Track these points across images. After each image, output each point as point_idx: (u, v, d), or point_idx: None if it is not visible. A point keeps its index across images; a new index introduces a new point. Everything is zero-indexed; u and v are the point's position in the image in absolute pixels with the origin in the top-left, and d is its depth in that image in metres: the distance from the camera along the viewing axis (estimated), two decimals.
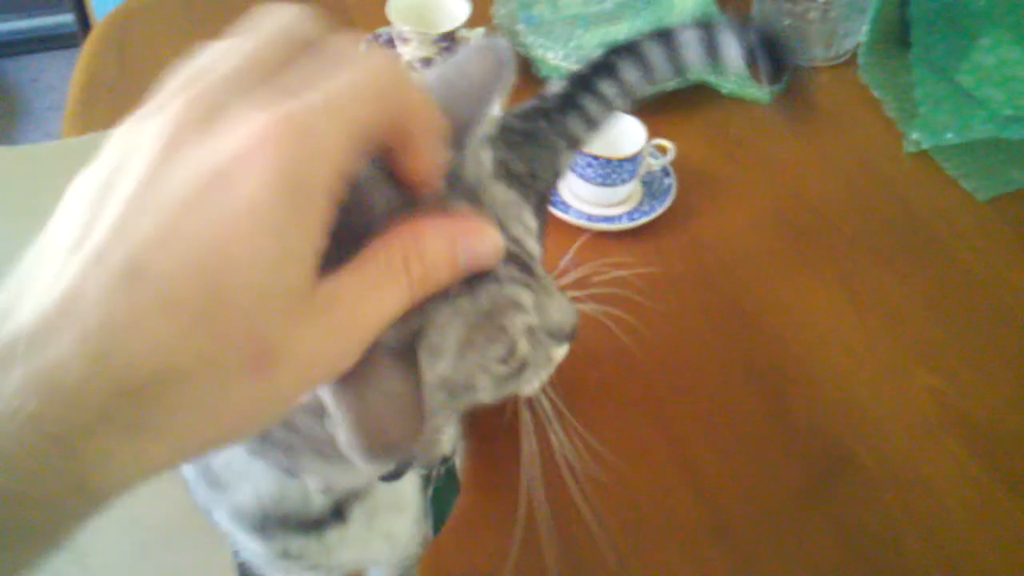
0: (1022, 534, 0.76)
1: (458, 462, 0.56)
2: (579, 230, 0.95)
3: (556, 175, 0.71)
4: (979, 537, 0.76)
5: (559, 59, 1.07)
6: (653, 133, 0.97)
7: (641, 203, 0.97)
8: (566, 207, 0.96)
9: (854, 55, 1.14)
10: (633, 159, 0.93)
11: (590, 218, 0.95)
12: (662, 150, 0.98)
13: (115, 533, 0.66)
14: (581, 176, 0.95)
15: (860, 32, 1.13)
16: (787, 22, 1.12)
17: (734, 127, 1.07)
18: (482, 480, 0.77)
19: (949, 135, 1.03)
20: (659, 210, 0.95)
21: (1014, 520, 0.76)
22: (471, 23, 1.08)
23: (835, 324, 0.90)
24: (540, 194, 0.69)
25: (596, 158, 0.93)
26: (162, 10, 1.19)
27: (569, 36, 1.08)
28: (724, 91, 1.06)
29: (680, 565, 0.73)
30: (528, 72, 1.09)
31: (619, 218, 0.95)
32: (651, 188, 0.98)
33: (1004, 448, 0.81)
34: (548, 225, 0.81)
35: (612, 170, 0.93)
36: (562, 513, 0.74)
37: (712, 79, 1.06)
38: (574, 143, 0.70)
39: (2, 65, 2.45)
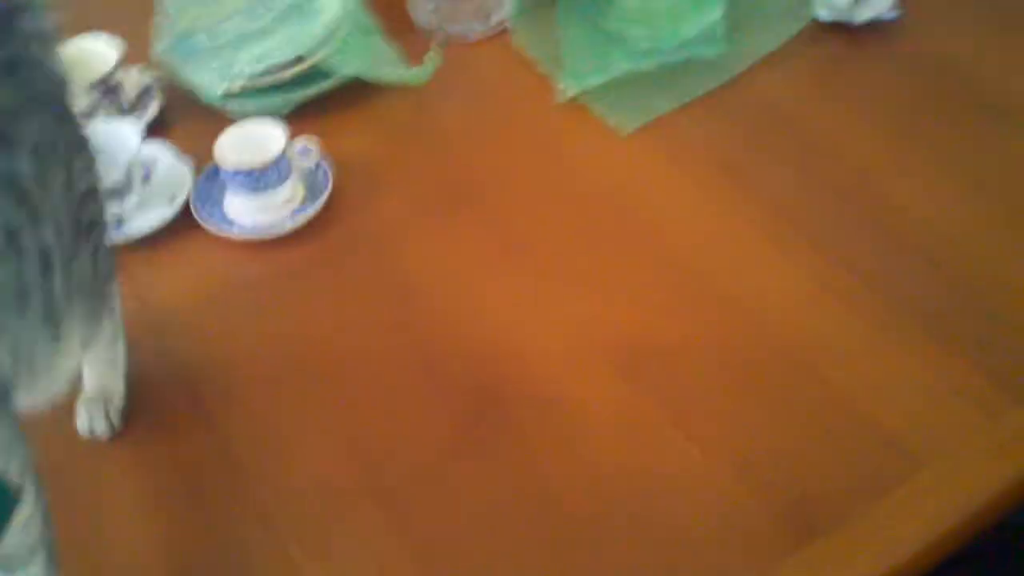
0: (670, 441, 0.79)
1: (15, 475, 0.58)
2: (247, 244, 0.98)
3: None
4: (631, 452, 0.79)
5: (217, 82, 1.09)
6: (308, 132, 1.02)
7: (304, 202, 1.00)
8: (230, 223, 0.98)
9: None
10: (278, 162, 0.96)
11: (255, 229, 0.98)
12: (316, 147, 1.01)
13: None
14: (234, 191, 0.98)
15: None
16: (431, 6, 1.17)
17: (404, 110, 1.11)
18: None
19: (592, 78, 1.08)
20: (316, 206, 0.98)
21: (662, 432, 0.80)
22: (127, 62, 1.10)
23: (488, 278, 0.94)
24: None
25: (241, 170, 0.96)
26: None
27: (224, 58, 1.11)
28: (383, 81, 1.10)
29: (337, 528, 0.77)
30: (197, 102, 1.11)
31: (281, 223, 0.98)
32: (313, 187, 1.01)
33: (648, 364, 0.85)
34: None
35: (259, 177, 0.96)
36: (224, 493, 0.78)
37: (365, 71, 1.09)
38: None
39: None
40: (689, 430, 0.80)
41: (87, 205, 0.76)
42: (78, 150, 0.75)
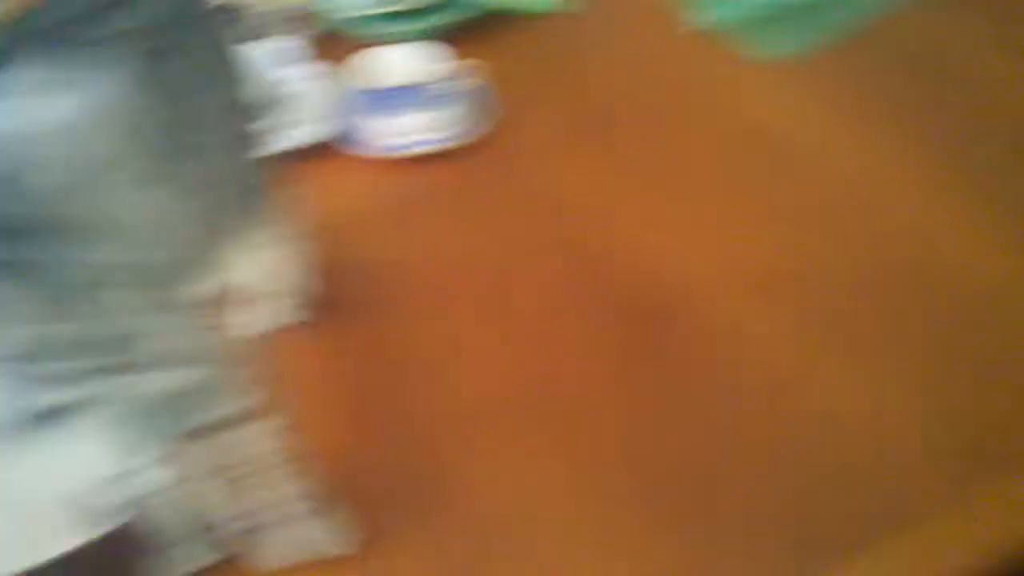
0: (841, 370, 0.78)
1: None
2: (398, 162, 0.98)
3: None
4: (802, 381, 0.78)
5: (349, 6, 1.09)
6: (461, 56, 1.02)
7: (455, 124, 0.99)
8: (378, 143, 0.98)
9: None
10: (424, 85, 0.96)
11: (402, 148, 0.97)
12: (471, 70, 1.01)
13: None
14: (381, 111, 0.97)
15: None
16: None
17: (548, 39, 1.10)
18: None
19: (725, 11, 1.07)
20: (469, 128, 0.98)
21: (832, 360, 0.78)
22: None
23: (642, 202, 0.93)
24: None
25: (389, 90, 0.95)
26: None
27: None
28: (517, 10, 1.09)
29: (503, 441, 0.76)
30: (336, 28, 1.11)
31: (432, 142, 0.97)
32: (465, 109, 1.00)
33: (812, 294, 0.83)
34: None
35: (405, 97, 0.96)
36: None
37: (505, 3, 1.08)
38: None
39: None
40: (860, 360, 0.78)
41: (239, 120, 0.76)
42: (228, 66, 0.76)
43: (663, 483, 0.73)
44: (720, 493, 0.72)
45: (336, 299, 0.87)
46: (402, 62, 0.98)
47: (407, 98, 0.95)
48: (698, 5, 1.09)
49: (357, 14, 1.09)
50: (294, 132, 0.99)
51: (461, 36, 1.08)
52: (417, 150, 0.97)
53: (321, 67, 1.05)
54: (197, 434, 0.60)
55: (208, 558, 0.70)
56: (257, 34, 1.07)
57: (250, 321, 0.85)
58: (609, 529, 0.71)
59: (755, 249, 0.88)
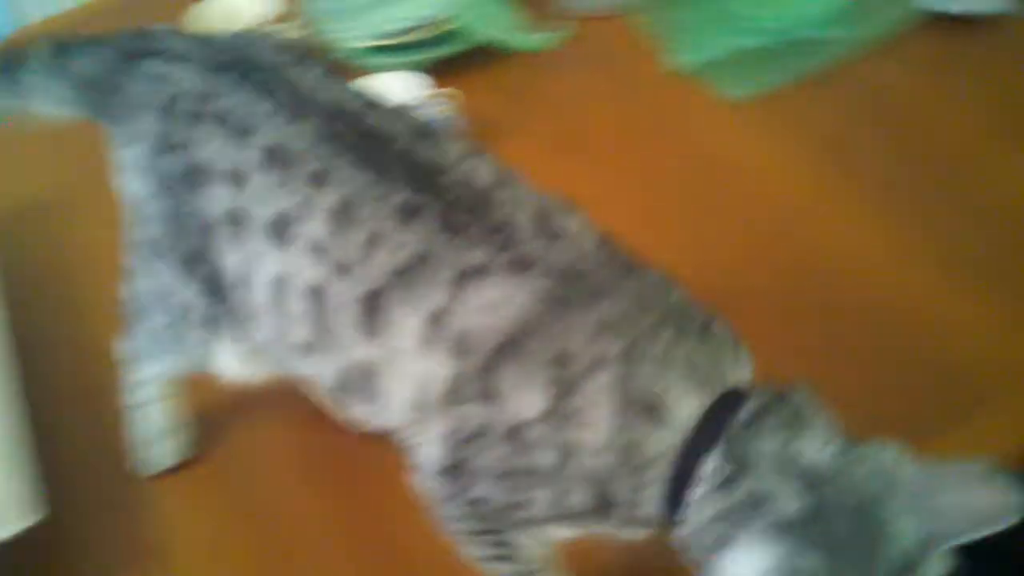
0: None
1: None
2: None
3: None
4: None
5: (358, 38, 1.18)
6: (443, 86, 1.09)
7: None
8: None
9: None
10: (416, 109, 1.03)
11: None
12: (448, 98, 1.09)
13: None
14: None
15: None
16: None
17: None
18: None
19: (709, 51, 1.15)
20: None
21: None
22: (279, 19, 1.20)
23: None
24: None
25: None
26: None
27: (366, 16, 1.19)
28: (508, 49, 1.18)
29: None
30: (335, 56, 1.20)
31: None
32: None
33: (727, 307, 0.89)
34: None
35: None
36: None
37: (495, 36, 1.17)
38: None
39: None
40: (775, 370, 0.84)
41: None
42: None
43: None
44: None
45: None
46: (393, 89, 1.06)
47: None
48: (675, 48, 1.16)
49: (357, 46, 1.18)
50: None
51: (448, 68, 1.16)
52: None
53: None
54: None
55: None
56: None
57: None
58: None
59: (694, 267, 0.92)
